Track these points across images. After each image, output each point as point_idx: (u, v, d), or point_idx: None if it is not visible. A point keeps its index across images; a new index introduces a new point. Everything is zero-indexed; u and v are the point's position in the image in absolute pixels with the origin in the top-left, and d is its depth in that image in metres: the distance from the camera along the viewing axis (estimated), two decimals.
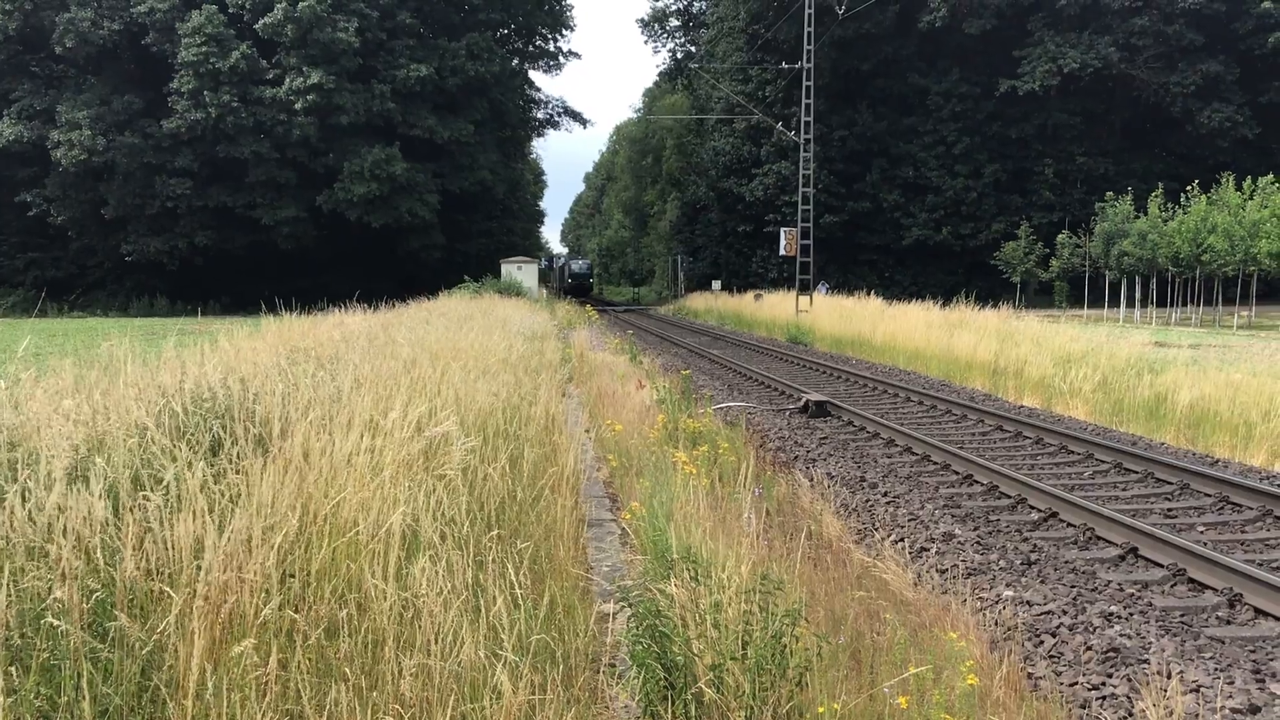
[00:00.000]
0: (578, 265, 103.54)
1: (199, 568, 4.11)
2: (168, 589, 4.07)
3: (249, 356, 8.88)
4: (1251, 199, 37.92)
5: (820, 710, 4.23)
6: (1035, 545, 9.06)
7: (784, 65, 53.00)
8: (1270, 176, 38.40)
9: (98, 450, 5.35)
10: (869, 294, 42.07)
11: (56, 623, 3.78)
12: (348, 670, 4.00)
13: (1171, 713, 5.06)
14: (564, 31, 77.38)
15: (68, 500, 4.35)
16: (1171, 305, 44.75)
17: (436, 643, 4.12)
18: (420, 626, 4.21)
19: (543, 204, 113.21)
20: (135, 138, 57.21)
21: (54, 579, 4.00)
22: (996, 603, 7.52)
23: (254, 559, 4.22)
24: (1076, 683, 6.14)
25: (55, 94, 59.26)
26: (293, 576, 4.44)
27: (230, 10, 58.01)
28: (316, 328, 13.21)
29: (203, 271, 62.69)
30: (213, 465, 5.24)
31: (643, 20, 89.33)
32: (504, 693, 3.90)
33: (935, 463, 12.82)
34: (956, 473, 12.15)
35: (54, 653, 3.82)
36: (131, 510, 4.47)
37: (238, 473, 5.15)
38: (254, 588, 4.14)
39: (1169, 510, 10.31)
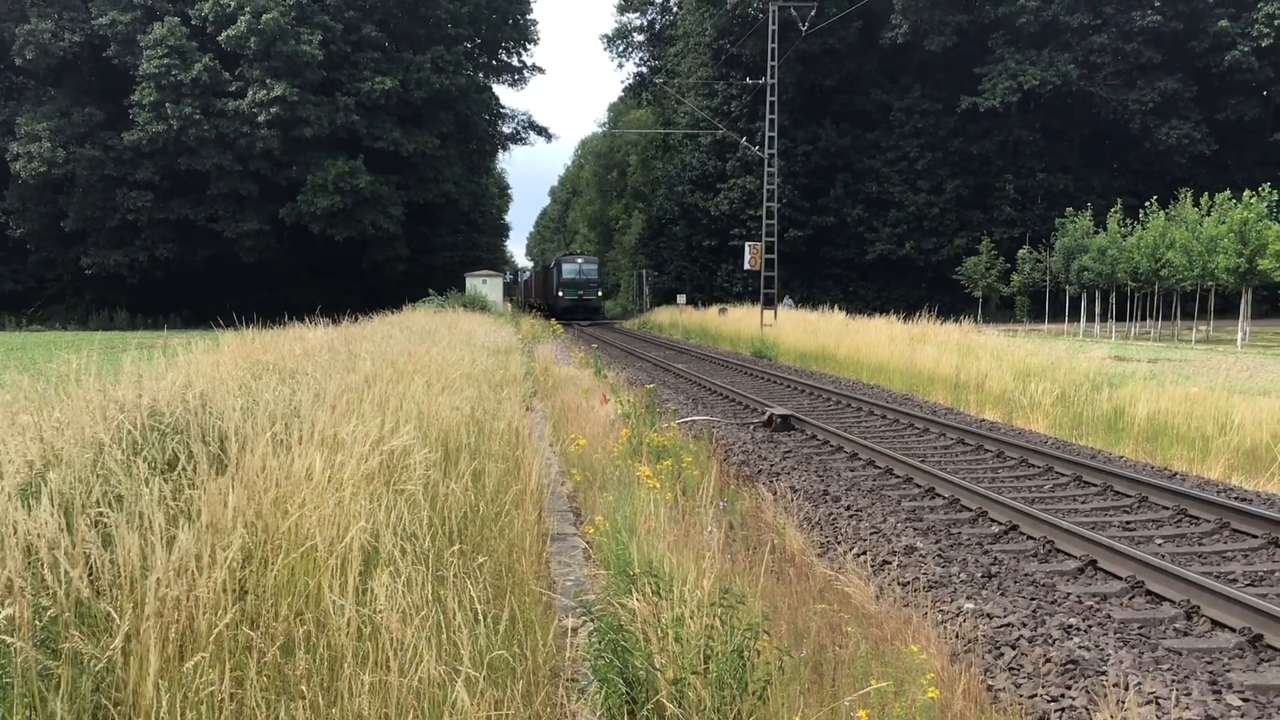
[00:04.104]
0: (577, 269, 65.33)
1: (152, 584, 4.06)
2: (117, 608, 4.01)
3: (208, 372, 8.79)
4: (1209, 215, 38.44)
5: None
6: (996, 558, 9.12)
7: (749, 80, 53.30)
8: (1228, 192, 38.96)
9: (53, 465, 5.28)
10: (833, 308, 42.21)
11: (8, 640, 3.72)
12: (304, 688, 3.96)
13: None
14: (528, 45, 77.78)
15: (18, 515, 4.28)
16: (1131, 320, 45.33)
17: (395, 659, 4.09)
18: (379, 643, 4.18)
19: (508, 218, 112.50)
20: (96, 150, 56.70)
21: (3, 595, 3.93)
22: (957, 615, 7.55)
23: (207, 575, 4.17)
24: (1036, 694, 6.17)
25: (15, 106, 58.75)
26: (248, 593, 4.39)
27: (193, 23, 57.68)
28: (277, 342, 13.10)
29: (163, 285, 62.15)
30: (169, 481, 5.18)
31: (607, 37, 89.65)
32: (463, 708, 3.87)
33: (898, 476, 12.88)
34: (919, 486, 12.22)
35: (4, 671, 3.75)
36: (84, 526, 4.41)
37: (193, 488, 5.09)
38: (207, 604, 4.09)
39: (1128, 523, 10.40)
